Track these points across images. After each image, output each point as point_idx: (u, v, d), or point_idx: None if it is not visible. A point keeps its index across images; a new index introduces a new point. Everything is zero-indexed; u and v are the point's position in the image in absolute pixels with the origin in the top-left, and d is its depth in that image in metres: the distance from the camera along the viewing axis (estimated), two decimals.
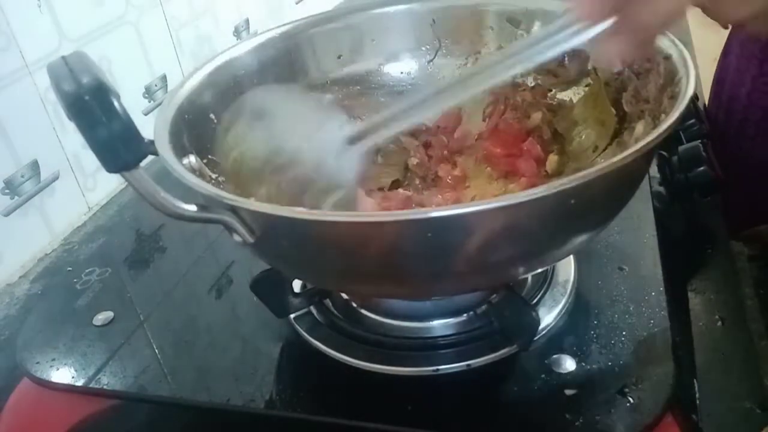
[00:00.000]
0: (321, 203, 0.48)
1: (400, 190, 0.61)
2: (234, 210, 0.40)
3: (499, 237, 0.39)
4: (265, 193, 0.49)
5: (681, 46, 0.48)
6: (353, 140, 0.47)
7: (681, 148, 0.67)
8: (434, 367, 0.48)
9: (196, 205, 0.40)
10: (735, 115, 0.78)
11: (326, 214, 0.42)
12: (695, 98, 0.73)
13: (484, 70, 0.45)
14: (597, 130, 0.56)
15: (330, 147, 0.46)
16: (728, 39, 0.82)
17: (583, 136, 0.57)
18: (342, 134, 0.47)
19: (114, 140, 0.35)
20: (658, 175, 0.68)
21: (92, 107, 0.34)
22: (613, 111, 0.55)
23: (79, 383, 0.52)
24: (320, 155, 0.47)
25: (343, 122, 0.50)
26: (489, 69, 0.45)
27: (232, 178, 0.50)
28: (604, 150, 0.55)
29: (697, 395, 0.48)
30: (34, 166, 0.73)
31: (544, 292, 0.54)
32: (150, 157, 0.41)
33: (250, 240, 0.41)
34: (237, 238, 0.42)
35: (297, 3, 1.27)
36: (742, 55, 0.78)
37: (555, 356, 0.48)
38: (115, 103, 0.34)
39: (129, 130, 0.35)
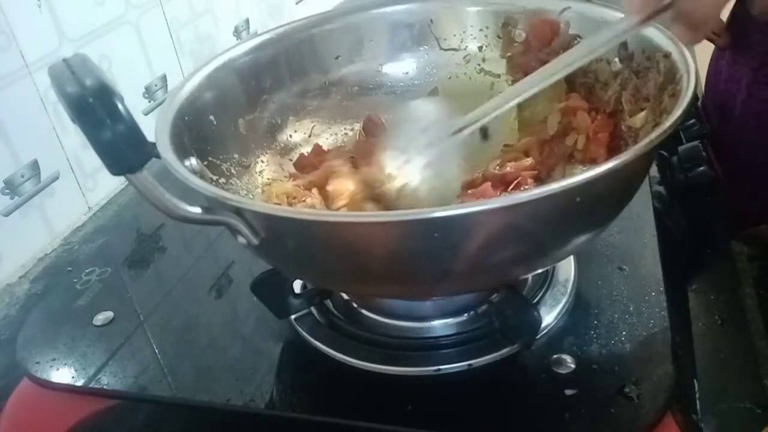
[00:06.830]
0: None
1: None
2: (238, 212, 0.40)
3: (505, 236, 0.39)
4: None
5: (681, 44, 0.48)
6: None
7: (681, 148, 0.67)
8: (435, 367, 0.49)
9: (201, 207, 0.40)
10: (731, 122, 0.78)
11: (331, 215, 0.42)
12: (695, 98, 0.73)
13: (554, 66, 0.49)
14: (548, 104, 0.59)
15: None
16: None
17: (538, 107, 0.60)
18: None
19: (118, 142, 0.35)
20: (658, 175, 0.68)
21: (96, 109, 0.34)
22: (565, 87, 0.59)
23: (79, 383, 0.52)
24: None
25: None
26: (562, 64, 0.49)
27: None
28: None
29: (697, 395, 0.48)
30: (34, 166, 0.73)
31: (545, 292, 0.54)
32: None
33: (255, 242, 0.41)
34: (241, 239, 0.42)
35: (297, 3, 1.27)
36: (734, 63, 0.78)
37: (555, 356, 0.48)
38: (119, 105, 0.34)
39: (133, 132, 0.35)
